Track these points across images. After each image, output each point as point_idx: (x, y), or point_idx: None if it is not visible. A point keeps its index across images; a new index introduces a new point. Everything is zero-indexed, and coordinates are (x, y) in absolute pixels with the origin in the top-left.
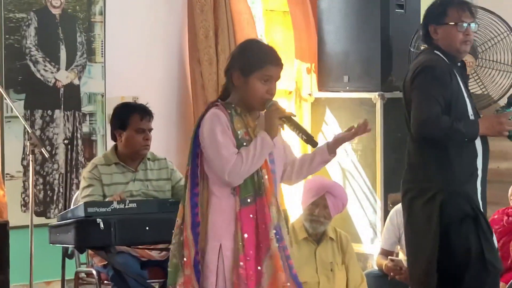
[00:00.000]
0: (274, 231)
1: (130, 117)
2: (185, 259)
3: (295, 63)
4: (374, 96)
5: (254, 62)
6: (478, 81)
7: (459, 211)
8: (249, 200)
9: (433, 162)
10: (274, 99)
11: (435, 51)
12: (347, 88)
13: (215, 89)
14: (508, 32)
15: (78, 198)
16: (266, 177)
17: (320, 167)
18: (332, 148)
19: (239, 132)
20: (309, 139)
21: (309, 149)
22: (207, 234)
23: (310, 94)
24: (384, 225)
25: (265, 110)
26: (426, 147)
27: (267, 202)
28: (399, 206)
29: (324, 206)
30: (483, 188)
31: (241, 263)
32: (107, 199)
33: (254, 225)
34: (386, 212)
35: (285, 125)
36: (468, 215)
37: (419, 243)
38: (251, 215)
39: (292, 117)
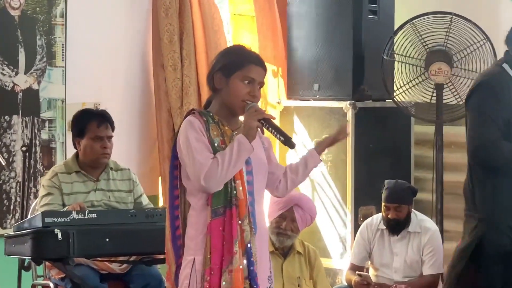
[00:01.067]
0: (249, 245)
1: (88, 124)
2: (166, 274)
3: None
4: (345, 105)
5: (235, 62)
6: (453, 90)
7: (498, 247)
8: (219, 212)
9: (480, 189)
10: None
11: (503, 64)
12: (317, 96)
13: (178, 95)
14: (484, 41)
15: (37, 207)
16: (241, 188)
17: (311, 172)
18: (318, 153)
19: (215, 140)
20: (287, 141)
21: (288, 157)
22: (184, 248)
23: (279, 102)
24: (353, 239)
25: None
26: (474, 172)
27: (239, 214)
28: (370, 220)
29: (291, 219)
30: None
31: (207, 277)
32: (65, 208)
33: (222, 238)
34: (356, 226)
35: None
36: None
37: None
38: (220, 228)
39: (271, 119)
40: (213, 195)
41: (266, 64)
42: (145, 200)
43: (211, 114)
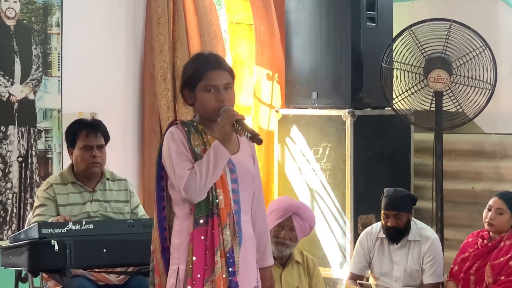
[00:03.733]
0: (228, 255)
1: (78, 134)
2: (156, 286)
3: (254, 70)
4: (344, 113)
5: (194, 74)
6: (452, 98)
7: None
8: (201, 221)
9: None
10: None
11: None
12: (316, 104)
13: (168, 106)
14: (484, 47)
15: (30, 218)
16: (222, 197)
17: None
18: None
19: (196, 149)
20: (254, 137)
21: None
22: (170, 258)
23: (277, 111)
24: (353, 248)
25: None
26: None
27: (220, 223)
28: (369, 228)
29: (290, 228)
30: None
31: (189, 287)
32: (50, 220)
33: (204, 247)
34: (356, 235)
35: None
36: None
37: None
38: (202, 237)
39: (242, 119)
40: (195, 205)
41: (262, 69)
42: (141, 211)
43: (195, 123)
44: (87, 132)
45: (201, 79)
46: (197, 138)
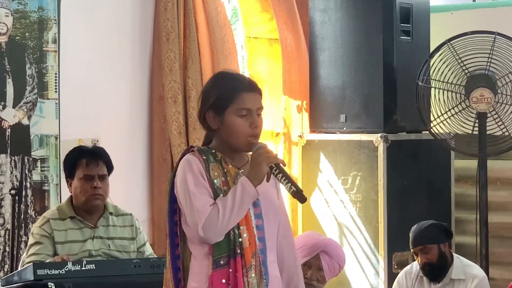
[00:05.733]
0: None
1: (77, 163)
2: None
3: (282, 100)
4: (375, 138)
5: (225, 95)
6: (497, 120)
7: None
8: (222, 262)
9: None
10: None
11: None
12: (344, 129)
13: (179, 131)
14: None
15: (24, 258)
16: (246, 235)
17: None
18: None
19: (215, 181)
20: (298, 193)
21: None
22: None
23: (300, 136)
24: None
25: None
26: None
27: (244, 264)
28: (409, 267)
29: (318, 267)
30: None
31: None
32: (48, 260)
33: None
34: (390, 275)
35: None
36: None
37: None
38: (223, 280)
39: (282, 165)
40: (214, 244)
41: (289, 97)
42: (148, 250)
43: (213, 151)
44: (87, 161)
45: (233, 101)
46: (216, 169)
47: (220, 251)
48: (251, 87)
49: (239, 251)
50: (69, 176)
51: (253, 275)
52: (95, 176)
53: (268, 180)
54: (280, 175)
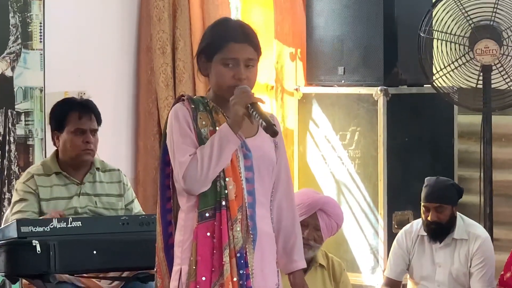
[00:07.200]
0: (239, 255)
1: (68, 115)
2: None
3: (274, 46)
4: (375, 91)
5: (214, 42)
6: (503, 73)
7: None
8: (207, 215)
9: None
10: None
11: None
12: (342, 81)
13: (167, 84)
14: None
15: (8, 215)
16: (232, 187)
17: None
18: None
19: (202, 130)
20: (269, 127)
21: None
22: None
23: (297, 89)
24: (387, 250)
25: None
26: None
27: (229, 218)
28: (408, 226)
29: (315, 226)
30: None
31: None
32: (43, 217)
33: (210, 245)
34: (390, 235)
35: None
36: None
37: None
38: (208, 233)
39: (259, 103)
40: (200, 196)
41: (282, 43)
42: (136, 207)
43: (206, 100)
44: (80, 114)
45: (220, 49)
46: (205, 118)
47: (206, 204)
48: (243, 38)
49: (224, 203)
50: (57, 129)
51: (238, 228)
52: (88, 131)
53: (252, 122)
54: (254, 113)
